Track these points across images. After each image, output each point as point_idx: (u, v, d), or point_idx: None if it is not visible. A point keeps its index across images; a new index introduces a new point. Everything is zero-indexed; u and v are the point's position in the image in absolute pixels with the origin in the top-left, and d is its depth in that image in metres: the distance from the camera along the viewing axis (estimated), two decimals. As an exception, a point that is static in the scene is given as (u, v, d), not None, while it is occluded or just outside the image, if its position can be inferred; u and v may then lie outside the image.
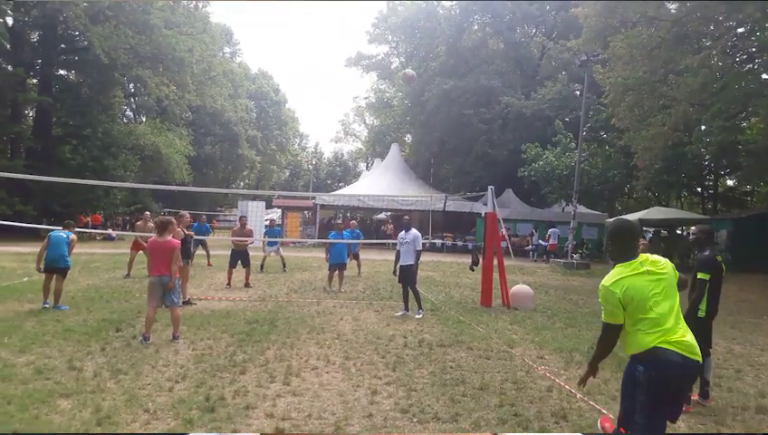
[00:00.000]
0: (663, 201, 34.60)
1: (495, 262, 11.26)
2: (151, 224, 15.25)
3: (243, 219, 14.31)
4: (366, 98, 65.83)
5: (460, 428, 4.55)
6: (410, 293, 9.87)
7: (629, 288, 3.35)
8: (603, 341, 3.50)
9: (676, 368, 3.21)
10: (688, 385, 3.56)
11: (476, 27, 39.32)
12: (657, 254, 3.68)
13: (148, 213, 16.41)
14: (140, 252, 13.81)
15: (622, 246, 3.60)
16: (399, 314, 9.79)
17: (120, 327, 7.78)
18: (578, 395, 5.54)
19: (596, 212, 31.85)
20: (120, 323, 8.01)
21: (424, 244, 10.74)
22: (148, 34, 29.52)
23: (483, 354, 7.07)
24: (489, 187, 11.65)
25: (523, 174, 29.00)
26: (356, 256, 15.91)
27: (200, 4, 37.72)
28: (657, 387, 3.22)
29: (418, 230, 10.30)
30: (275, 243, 16.47)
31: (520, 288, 11.35)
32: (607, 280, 3.47)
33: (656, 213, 24.48)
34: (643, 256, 3.52)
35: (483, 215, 13.41)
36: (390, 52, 55.12)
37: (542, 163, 27.71)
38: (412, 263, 9.78)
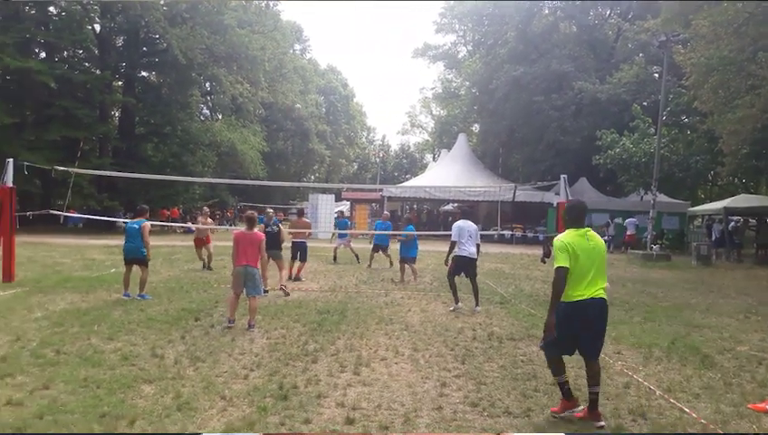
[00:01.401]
0: (751, 188, 32.66)
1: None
2: (210, 220, 15.86)
3: (301, 211, 14.57)
4: (432, 89, 65.43)
5: (533, 423, 4.46)
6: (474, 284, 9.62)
7: (574, 244, 4.53)
8: (556, 282, 4.49)
9: (589, 307, 4.47)
10: (601, 318, 4.57)
11: (547, 11, 38.23)
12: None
13: (206, 208, 16.83)
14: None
15: (575, 218, 4.77)
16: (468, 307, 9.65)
17: (199, 316, 8.11)
18: (657, 392, 5.31)
19: (677, 201, 30.46)
20: (198, 313, 8.36)
21: (492, 235, 10.53)
22: (222, 34, 30.56)
23: (555, 348, 6.90)
24: (562, 175, 11.34)
25: (597, 162, 28.03)
26: (384, 250, 15.20)
27: (271, 3, 38.59)
28: (570, 319, 4.47)
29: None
30: (345, 235, 16.59)
31: (595, 280, 10.96)
32: (561, 236, 4.71)
33: (743, 201, 23.13)
34: (587, 229, 4.72)
35: (554, 205, 13.09)
36: (457, 41, 54.54)
37: (618, 150, 26.70)
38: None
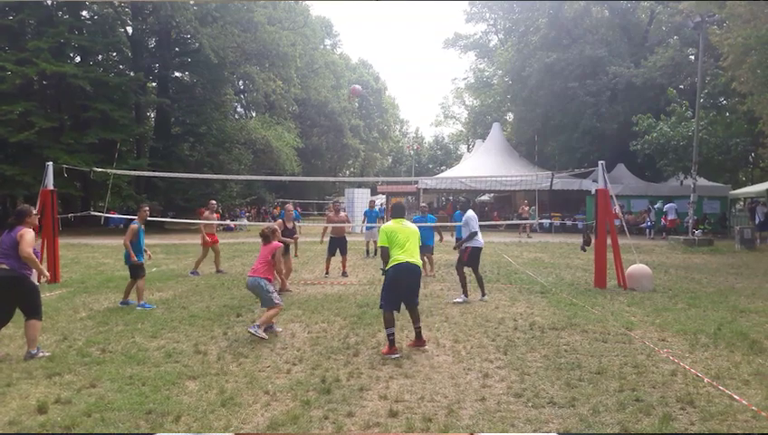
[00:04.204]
0: (795, 168, 31.64)
1: (609, 241, 10.76)
2: (215, 214, 14.30)
3: (336, 204, 14.50)
4: (465, 79, 64.74)
5: (578, 413, 4.39)
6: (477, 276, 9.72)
7: (393, 229, 6.33)
8: (383, 254, 6.36)
9: (404, 269, 6.14)
10: (416, 282, 6.34)
11: (578, -4, 37.42)
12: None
13: (213, 202, 14.67)
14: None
15: (396, 213, 6.63)
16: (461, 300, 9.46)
17: (241, 313, 8.24)
18: (705, 379, 5.17)
19: (718, 184, 29.70)
20: (240, 309, 8.49)
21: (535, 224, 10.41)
22: (252, 32, 30.83)
23: (599, 338, 6.79)
24: (599, 162, 11.12)
25: (635, 147, 27.51)
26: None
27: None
28: (395, 279, 6.17)
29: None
30: (371, 228, 16.21)
31: (637, 268, 10.76)
32: (384, 225, 6.51)
33: (787, 182, 22.41)
34: (403, 219, 6.57)
35: (593, 192, 12.86)
36: (488, 29, 53.88)
37: (656, 135, 26.14)
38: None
